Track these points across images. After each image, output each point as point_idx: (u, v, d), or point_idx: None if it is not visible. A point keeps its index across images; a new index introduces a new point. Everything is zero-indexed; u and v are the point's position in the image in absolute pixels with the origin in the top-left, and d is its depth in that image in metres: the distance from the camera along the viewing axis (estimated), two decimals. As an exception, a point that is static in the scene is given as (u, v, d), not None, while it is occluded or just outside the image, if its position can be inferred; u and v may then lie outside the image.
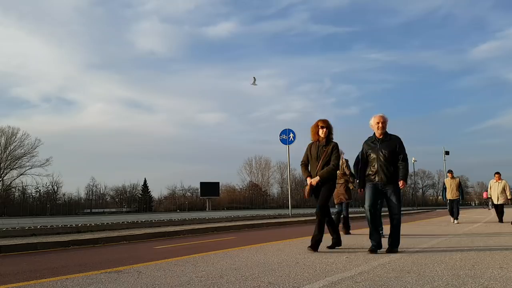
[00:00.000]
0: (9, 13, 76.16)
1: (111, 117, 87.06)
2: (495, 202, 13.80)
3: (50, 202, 46.64)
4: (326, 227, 5.71)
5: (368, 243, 5.55)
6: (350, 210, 9.65)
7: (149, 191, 60.26)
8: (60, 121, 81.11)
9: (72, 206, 46.14)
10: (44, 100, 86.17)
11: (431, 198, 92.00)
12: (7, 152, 49.34)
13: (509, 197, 13.66)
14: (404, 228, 10.94)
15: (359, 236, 8.04)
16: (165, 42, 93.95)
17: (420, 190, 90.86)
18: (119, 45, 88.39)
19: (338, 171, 6.53)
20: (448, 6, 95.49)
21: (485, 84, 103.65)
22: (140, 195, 59.44)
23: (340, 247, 5.79)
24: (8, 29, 74.85)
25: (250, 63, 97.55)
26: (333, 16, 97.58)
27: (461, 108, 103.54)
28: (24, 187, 48.42)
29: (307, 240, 5.72)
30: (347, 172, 8.71)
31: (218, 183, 50.78)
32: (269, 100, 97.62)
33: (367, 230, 5.57)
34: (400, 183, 5.33)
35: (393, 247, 5.31)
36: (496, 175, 14.00)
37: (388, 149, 5.41)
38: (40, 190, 48.88)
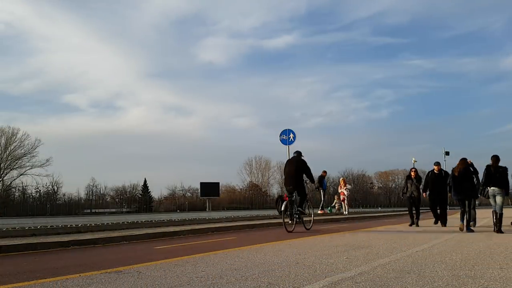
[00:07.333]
0: (100, 33, 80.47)
1: (145, 120, 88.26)
2: None
3: (50, 202, 46.60)
4: None
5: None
6: None
7: (149, 191, 60.27)
8: (96, 124, 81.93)
9: (72, 206, 46.08)
10: (93, 106, 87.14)
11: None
12: (7, 152, 49.29)
13: None
14: (404, 228, 10.98)
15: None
16: (225, 54, 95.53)
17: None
18: (181, 56, 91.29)
19: None
20: (500, 24, 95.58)
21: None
22: (140, 195, 59.38)
23: None
24: (88, 41, 79.09)
25: (297, 71, 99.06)
26: (393, 30, 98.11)
27: (484, 112, 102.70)
28: (24, 187, 48.42)
29: (307, 241, 5.72)
30: None
31: (218, 183, 50.68)
32: (305, 105, 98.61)
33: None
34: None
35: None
36: None
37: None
38: (40, 190, 48.94)
